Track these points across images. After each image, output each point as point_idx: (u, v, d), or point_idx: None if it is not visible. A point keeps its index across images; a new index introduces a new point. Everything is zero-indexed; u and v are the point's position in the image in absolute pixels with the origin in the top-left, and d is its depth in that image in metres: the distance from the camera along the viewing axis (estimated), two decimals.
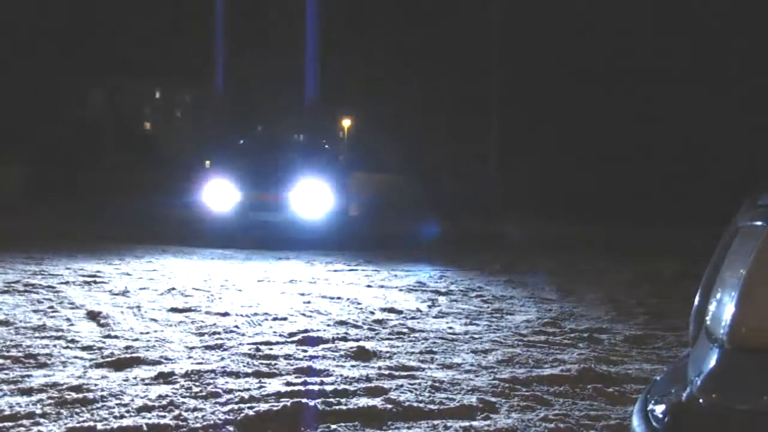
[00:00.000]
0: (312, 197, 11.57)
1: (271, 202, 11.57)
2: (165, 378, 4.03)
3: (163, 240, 11.28)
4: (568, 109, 22.63)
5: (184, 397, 3.72)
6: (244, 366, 4.35)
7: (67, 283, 7.16)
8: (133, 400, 3.63)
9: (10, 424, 3.28)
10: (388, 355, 4.79)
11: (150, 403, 3.59)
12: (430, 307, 6.75)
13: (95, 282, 7.30)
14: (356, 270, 9.08)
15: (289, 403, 3.62)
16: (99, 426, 3.29)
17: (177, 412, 3.49)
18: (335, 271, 9.00)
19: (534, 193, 20.83)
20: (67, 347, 4.65)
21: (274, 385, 4.01)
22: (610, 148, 21.91)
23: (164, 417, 3.43)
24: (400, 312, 6.38)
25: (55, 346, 4.66)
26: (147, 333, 5.16)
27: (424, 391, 3.98)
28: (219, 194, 11.70)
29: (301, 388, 3.93)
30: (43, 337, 4.87)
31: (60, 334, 4.99)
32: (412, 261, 10.13)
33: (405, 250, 11.96)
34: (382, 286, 7.85)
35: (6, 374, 4.01)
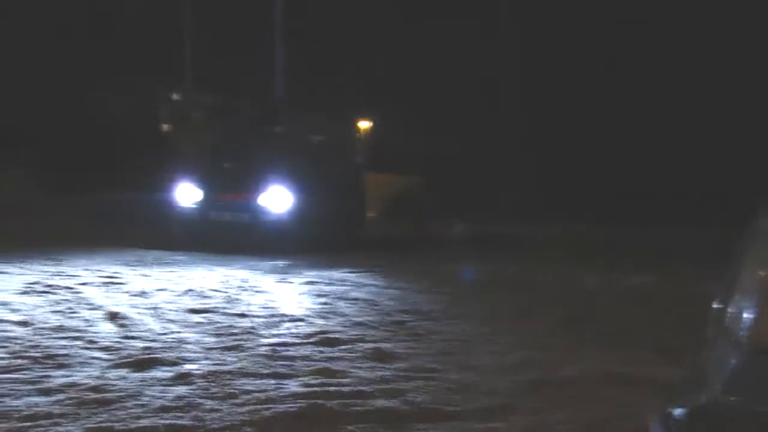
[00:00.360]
0: (272, 198, 11.69)
1: (230, 203, 11.80)
2: (183, 379, 4.06)
3: (178, 242, 11.30)
4: (570, 109, 22.56)
5: (202, 397, 3.74)
6: (261, 367, 4.36)
7: (85, 284, 7.19)
8: (151, 401, 3.65)
9: (29, 424, 3.31)
10: (405, 356, 4.79)
11: (168, 404, 3.61)
12: (447, 308, 6.74)
13: (114, 283, 7.34)
14: (373, 271, 9.06)
15: (306, 405, 3.63)
16: (117, 426, 3.31)
17: (194, 412, 3.51)
18: (351, 272, 8.98)
19: (541, 194, 20.74)
20: (85, 348, 4.69)
21: (291, 386, 4.02)
22: (612, 149, 21.81)
23: (182, 417, 3.45)
24: (417, 313, 6.37)
25: (73, 346, 4.70)
26: (165, 334, 5.18)
27: (441, 392, 3.98)
28: (184, 195, 12.03)
29: (318, 389, 3.94)
30: (62, 338, 4.91)
31: (79, 334, 5.02)
32: (428, 262, 10.10)
33: (421, 251, 11.94)
34: (398, 288, 7.84)
35: (25, 374, 4.04)
